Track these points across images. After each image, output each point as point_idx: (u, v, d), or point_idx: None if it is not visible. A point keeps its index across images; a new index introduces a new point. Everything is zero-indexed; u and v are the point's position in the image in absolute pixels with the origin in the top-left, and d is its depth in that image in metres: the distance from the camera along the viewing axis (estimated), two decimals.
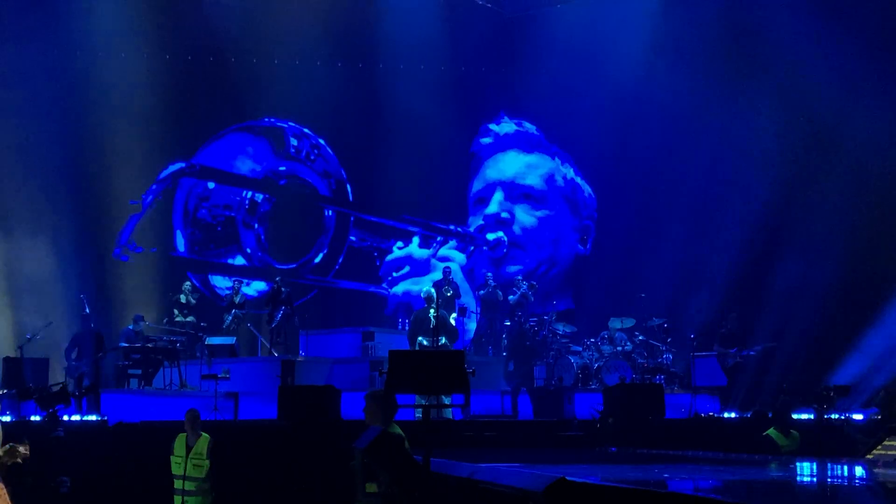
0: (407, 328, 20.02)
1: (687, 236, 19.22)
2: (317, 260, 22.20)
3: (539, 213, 22.56)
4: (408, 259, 22.34)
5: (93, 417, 12.94)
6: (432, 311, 14.17)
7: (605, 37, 20.55)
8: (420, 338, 14.23)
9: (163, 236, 20.81)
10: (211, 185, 21.75)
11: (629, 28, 20.19)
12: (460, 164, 22.84)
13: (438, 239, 22.53)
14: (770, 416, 12.48)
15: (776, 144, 18.30)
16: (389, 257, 22.49)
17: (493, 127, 23.02)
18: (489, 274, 19.62)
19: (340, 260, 22.31)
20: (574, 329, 18.15)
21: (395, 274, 22.40)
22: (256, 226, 21.89)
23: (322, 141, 22.38)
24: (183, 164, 21.14)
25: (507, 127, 23.02)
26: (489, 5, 22.42)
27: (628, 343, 17.33)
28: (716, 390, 16.15)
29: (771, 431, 11.24)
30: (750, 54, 19.00)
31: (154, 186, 20.87)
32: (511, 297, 17.74)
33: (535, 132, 22.98)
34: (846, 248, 17.03)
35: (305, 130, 22.31)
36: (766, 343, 16.55)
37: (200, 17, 20.54)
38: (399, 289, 22.21)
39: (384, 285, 22.43)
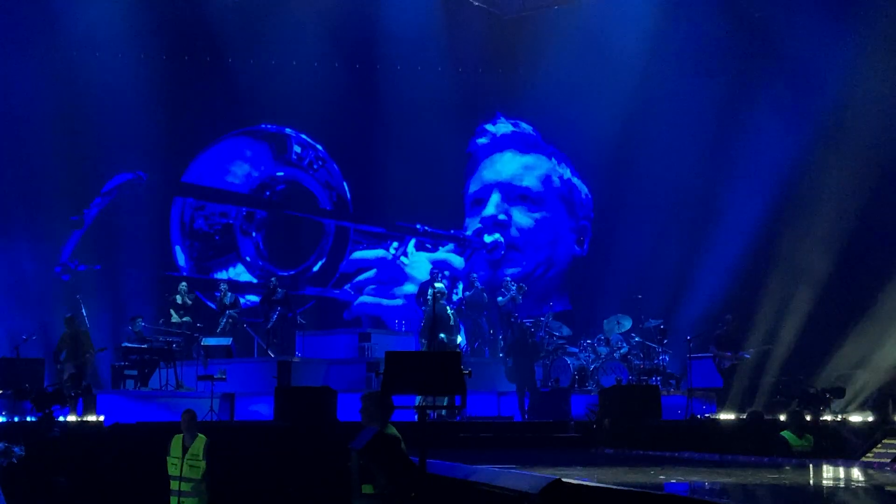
0: (404, 328, 20.06)
1: (684, 237, 19.24)
2: (315, 268, 22.05)
3: (536, 215, 22.53)
4: (378, 261, 22.13)
5: (91, 418, 12.94)
6: (448, 308, 14.29)
7: (602, 37, 20.53)
8: (442, 335, 14.26)
9: (125, 249, 19.95)
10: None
11: (626, 28, 20.18)
12: (457, 165, 22.79)
13: (395, 245, 22.28)
14: (768, 418, 12.50)
15: (776, 145, 18.29)
16: (356, 255, 22.29)
17: (489, 127, 22.97)
18: (474, 275, 19.62)
19: (341, 268, 22.19)
20: (570, 332, 18.14)
21: (360, 278, 22.16)
22: (254, 233, 21.75)
23: (326, 153, 22.26)
24: (130, 176, 20.58)
25: (503, 127, 22.98)
26: (485, 6, 22.41)
27: (624, 345, 17.34)
28: (712, 392, 16.17)
29: (786, 433, 11.25)
30: (748, 53, 19.00)
31: (98, 200, 20.39)
32: (500, 298, 17.72)
33: (532, 132, 22.94)
34: (845, 248, 17.07)
35: (311, 141, 22.19)
36: (762, 345, 16.58)
37: (198, 17, 20.49)
38: (368, 299, 21.98)
39: (347, 287, 22.20)
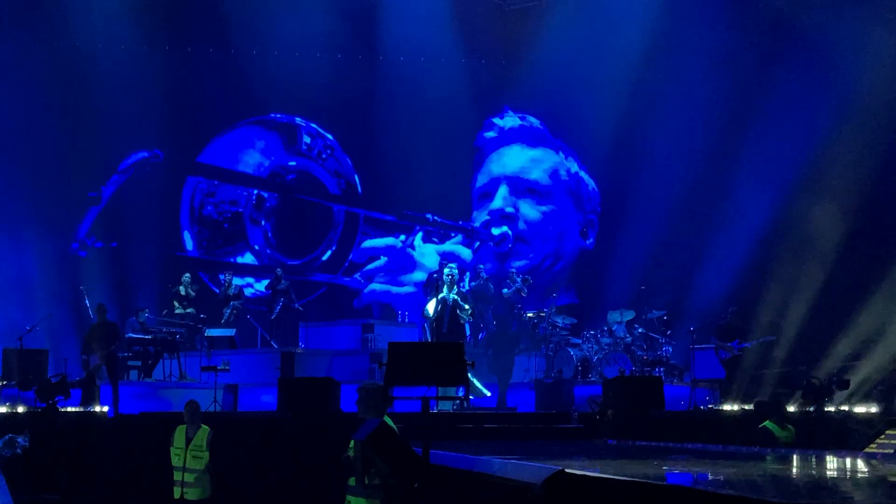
0: (407, 319, 20.09)
1: (691, 229, 19.22)
2: (324, 257, 22.09)
3: (543, 208, 22.51)
4: (388, 250, 22.18)
5: (95, 409, 12.98)
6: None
7: (608, 27, 20.44)
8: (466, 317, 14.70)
9: (134, 229, 20.21)
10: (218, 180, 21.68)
11: (631, 17, 20.07)
12: (464, 159, 22.75)
13: (402, 238, 22.32)
14: (759, 410, 12.53)
15: (783, 136, 18.21)
16: (367, 244, 22.37)
17: (496, 121, 22.93)
18: (480, 266, 19.58)
19: (351, 257, 22.21)
20: (574, 321, 18.14)
21: (370, 266, 22.23)
22: (264, 222, 21.79)
23: (336, 142, 22.27)
24: (147, 154, 20.76)
25: (510, 121, 22.93)
26: None
27: (628, 335, 17.31)
28: (714, 383, 16.16)
29: (768, 423, 11.27)
30: (755, 40, 18.89)
31: (115, 177, 20.53)
32: (505, 290, 17.70)
33: (539, 126, 22.89)
34: (848, 240, 17.04)
35: (320, 130, 22.20)
36: (765, 336, 16.50)
37: (200, 7, 20.48)
38: (378, 287, 22.03)
39: (357, 276, 22.27)
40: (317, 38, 21.04)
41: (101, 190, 20.33)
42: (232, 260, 21.43)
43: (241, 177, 21.73)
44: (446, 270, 14.98)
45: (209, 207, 21.49)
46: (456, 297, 14.55)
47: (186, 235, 21.35)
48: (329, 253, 22.11)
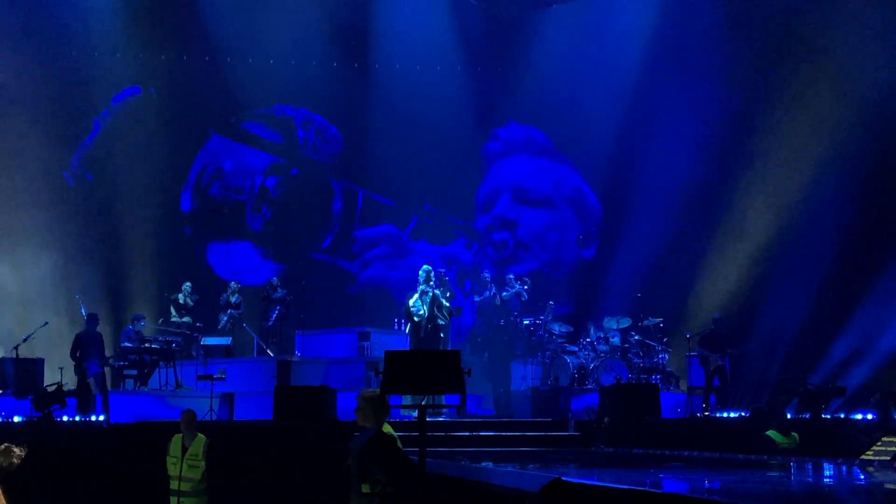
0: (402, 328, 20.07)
1: (687, 237, 19.22)
2: (323, 246, 22.18)
3: (545, 217, 22.55)
4: (385, 236, 22.21)
5: (95, 417, 12.97)
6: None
7: (611, 39, 20.46)
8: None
9: (122, 169, 20.11)
10: (228, 165, 21.71)
11: (633, 32, 20.07)
12: (468, 169, 22.75)
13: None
14: (756, 416, 12.54)
15: (782, 152, 18.22)
16: (364, 231, 22.29)
17: (501, 132, 23.00)
18: (486, 274, 19.57)
19: (349, 245, 22.30)
20: (570, 328, 18.13)
21: (367, 253, 22.28)
22: (265, 209, 21.85)
23: (333, 144, 22.32)
24: (138, 91, 20.74)
25: (514, 133, 22.97)
26: (484, 4, 22.31)
27: (625, 342, 17.29)
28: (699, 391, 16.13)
29: (771, 432, 11.28)
30: (758, 53, 18.90)
31: (105, 112, 20.51)
32: (504, 293, 17.69)
33: (543, 139, 22.94)
34: (842, 248, 17.05)
35: (321, 129, 22.23)
36: (739, 347, 16.35)
37: (196, 16, 20.50)
38: (374, 272, 22.09)
39: (355, 262, 22.24)
40: (312, 48, 21.04)
41: (93, 123, 20.29)
42: (226, 245, 21.52)
43: (256, 153, 21.79)
44: (423, 269, 15.07)
45: (215, 188, 21.58)
46: (436, 292, 14.59)
47: (185, 199, 21.44)
48: (328, 242, 22.19)
